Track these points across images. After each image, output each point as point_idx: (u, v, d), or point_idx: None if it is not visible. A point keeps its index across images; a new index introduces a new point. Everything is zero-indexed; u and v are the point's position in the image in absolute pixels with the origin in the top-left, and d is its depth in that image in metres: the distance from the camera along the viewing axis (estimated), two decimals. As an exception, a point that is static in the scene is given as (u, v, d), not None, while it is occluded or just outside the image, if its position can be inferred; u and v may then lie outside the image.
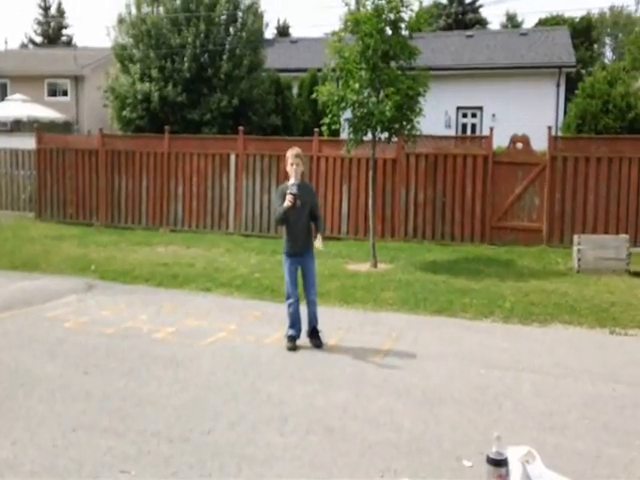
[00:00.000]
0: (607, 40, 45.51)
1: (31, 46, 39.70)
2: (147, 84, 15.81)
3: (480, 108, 20.60)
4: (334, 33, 9.64)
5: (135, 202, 13.45)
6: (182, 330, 6.01)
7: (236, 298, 7.47)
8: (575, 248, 9.15)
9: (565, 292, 7.67)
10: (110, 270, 8.82)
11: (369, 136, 9.36)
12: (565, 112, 18.62)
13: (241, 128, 12.95)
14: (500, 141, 11.67)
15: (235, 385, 4.58)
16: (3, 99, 24.20)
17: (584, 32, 34.06)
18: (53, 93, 25.47)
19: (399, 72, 9.09)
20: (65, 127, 22.94)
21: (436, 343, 5.71)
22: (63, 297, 7.32)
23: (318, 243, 5.57)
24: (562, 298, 7.36)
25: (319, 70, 13.11)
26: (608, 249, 9.00)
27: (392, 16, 8.97)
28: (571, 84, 21.45)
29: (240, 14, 16.96)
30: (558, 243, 10.86)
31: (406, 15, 9.08)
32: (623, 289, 7.95)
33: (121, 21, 16.91)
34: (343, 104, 9.06)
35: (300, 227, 5.52)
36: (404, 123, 9.20)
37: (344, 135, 10.00)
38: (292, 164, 5.44)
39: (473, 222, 11.37)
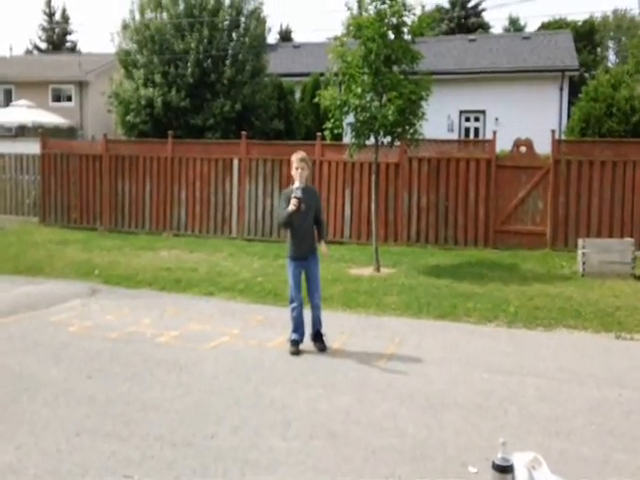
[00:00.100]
0: (610, 44, 45.47)
1: (36, 52, 39.89)
2: (151, 89, 15.87)
3: (483, 112, 20.59)
4: (336, 38, 9.64)
5: (138, 207, 13.48)
6: (185, 334, 6.01)
7: (239, 302, 7.46)
8: (580, 252, 9.11)
9: (570, 296, 7.64)
10: (114, 274, 8.84)
11: (372, 140, 9.36)
12: (568, 116, 18.60)
13: (244, 133, 12.98)
14: (503, 145, 11.65)
15: (238, 389, 4.57)
16: (8, 105, 24.31)
17: (587, 35, 34.03)
18: (57, 99, 25.57)
19: (401, 76, 9.10)
20: (69, 132, 23.03)
21: (439, 348, 5.69)
22: (67, 301, 7.33)
23: (323, 249, 5.65)
24: (567, 302, 7.33)
25: (322, 75, 13.14)
26: (613, 253, 8.96)
27: (394, 20, 8.99)
28: (574, 88, 21.43)
29: (243, 19, 17.04)
30: (562, 247, 10.83)
31: (408, 19, 9.11)
32: (628, 293, 7.91)
33: (125, 27, 17.00)
34: (346, 108, 9.06)
35: (304, 231, 5.53)
36: (407, 127, 9.19)
37: (347, 139, 10.00)
38: (297, 168, 5.45)
39: (476, 226, 11.35)
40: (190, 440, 3.71)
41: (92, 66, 24.97)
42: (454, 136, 19.58)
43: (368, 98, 9.02)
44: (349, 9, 9.87)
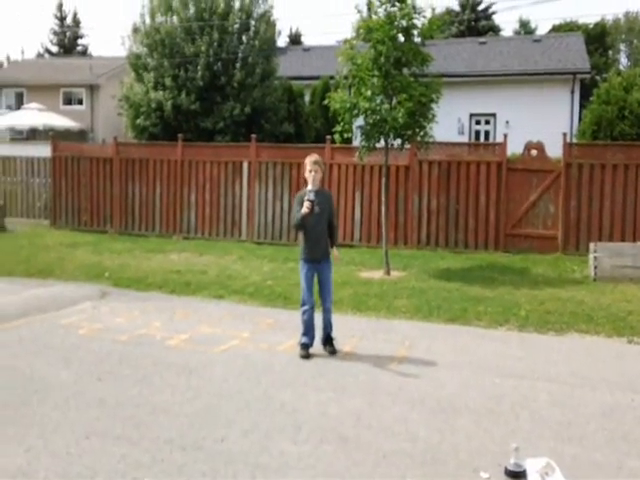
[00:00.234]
0: (622, 46, 45.16)
1: (47, 56, 40.22)
2: (161, 93, 15.94)
3: (493, 115, 20.52)
4: (346, 40, 9.65)
5: (149, 210, 13.53)
6: (195, 337, 6.01)
7: (249, 305, 7.46)
8: (591, 256, 9.04)
9: (581, 300, 7.58)
10: (124, 277, 8.87)
11: (382, 143, 9.35)
12: (580, 119, 18.48)
13: (254, 136, 13.00)
14: (514, 148, 11.59)
15: (248, 393, 4.56)
16: (19, 108, 24.54)
17: (598, 38, 33.85)
18: (68, 102, 25.78)
19: (411, 79, 9.08)
20: (80, 135, 23.20)
21: (450, 351, 5.65)
22: (77, 304, 7.36)
23: (335, 253, 5.72)
24: (578, 306, 7.27)
25: (331, 77, 13.13)
26: (625, 257, 8.88)
27: (404, 23, 8.97)
28: (585, 91, 21.29)
29: (253, 23, 17.08)
30: (574, 251, 10.75)
31: (418, 22, 9.09)
32: (640, 297, 7.84)
33: (136, 30, 17.10)
34: (355, 111, 9.05)
35: (318, 233, 5.54)
36: (417, 130, 9.18)
37: (356, 142, 9.99)
38: (310, 171, 5.49)
39: (487, 229, 11.29)
40: (200, 443, 3.70)
41: (103, 69, 25.17)
42: (464, 139, 19.51)
43: (378, 101, 8.99)
44: (359, 12, 9.88)
